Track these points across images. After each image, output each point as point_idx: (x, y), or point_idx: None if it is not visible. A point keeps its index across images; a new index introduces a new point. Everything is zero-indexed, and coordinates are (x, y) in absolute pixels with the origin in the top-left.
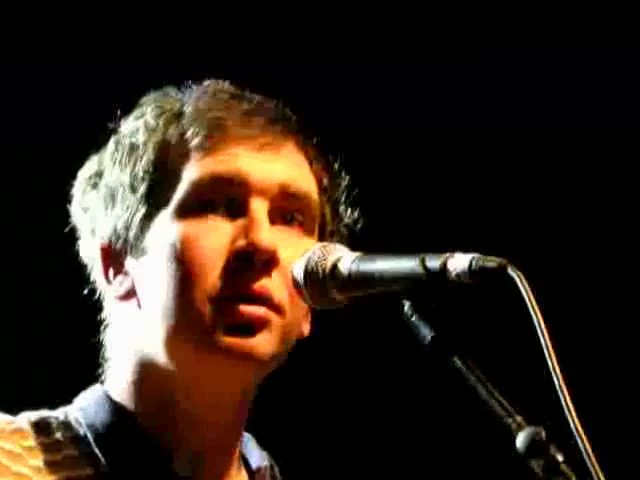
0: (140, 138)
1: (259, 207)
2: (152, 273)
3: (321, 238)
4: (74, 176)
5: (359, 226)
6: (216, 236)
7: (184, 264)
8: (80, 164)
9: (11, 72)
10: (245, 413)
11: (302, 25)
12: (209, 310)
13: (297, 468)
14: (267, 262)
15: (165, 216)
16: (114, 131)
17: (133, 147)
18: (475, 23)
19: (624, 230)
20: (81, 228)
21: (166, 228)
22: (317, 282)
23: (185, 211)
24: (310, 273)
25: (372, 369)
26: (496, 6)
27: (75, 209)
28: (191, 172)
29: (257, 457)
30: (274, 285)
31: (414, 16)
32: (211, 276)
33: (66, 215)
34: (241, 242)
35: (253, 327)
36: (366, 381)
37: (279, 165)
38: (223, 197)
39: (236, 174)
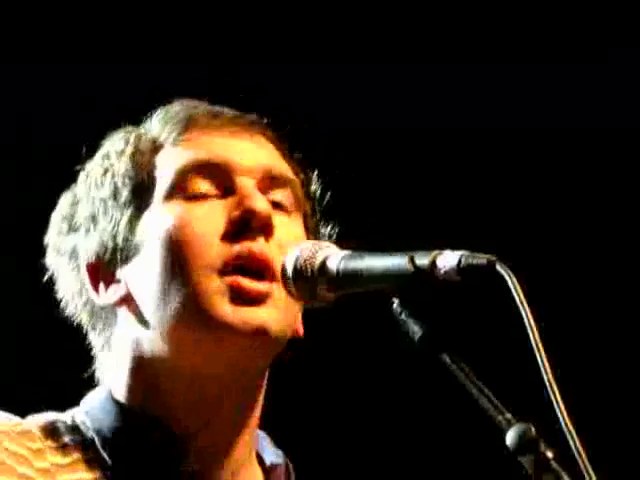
0: (112, 159)
1: (247, 182)
2: (147, 266)
3: (304, 230)
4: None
5: (334, 235)
6: (209, 213)
7: (180, 245)
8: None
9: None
10: (257, 405)
11: (295, 25)
12: (211, 284)
13: (301, 468)
14: (264, 227)
15: (152, 210)
16: (80, 170)
17: (107, 168)
18: (473, 22)
19: (613, 228)
20: (60, 269)
21: (156, 218)
22: (306, 280)
23: (173, 198)
24: (299, 270)
25: (361, 368)
26: (495, 5)
27: (51, 255)
28: (172, 163)
29: (272, 455)
30: (273, 253)
31: (410, 15)
32: (209, 250)
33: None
34: (236, 212)
35: (258, 300)
36: (356, 380)
37: (258, 150)
38: (209, 181)
39: (218, 158)
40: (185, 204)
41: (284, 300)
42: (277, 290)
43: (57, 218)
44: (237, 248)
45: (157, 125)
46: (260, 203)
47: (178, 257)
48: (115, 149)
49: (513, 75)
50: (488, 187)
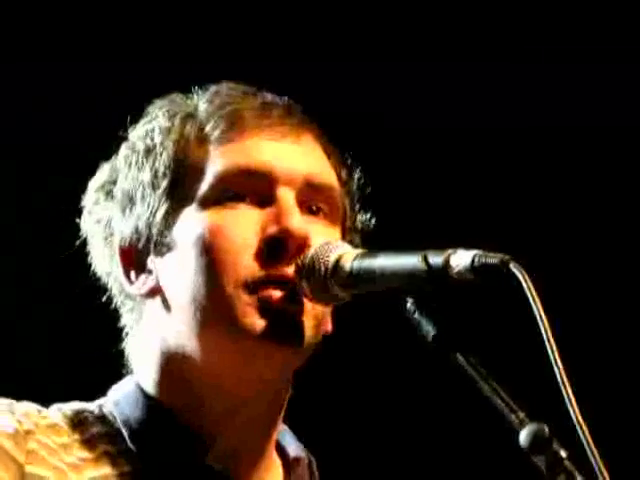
0: (156, 139)
1: (287, 195)
2: (180, 266)
3: (342, 232)
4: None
5: (372, 224)
6: (246, 223)
7: (214, 253)
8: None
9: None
10: (282, 405)
11: (305, 23)
12: (242, 295)
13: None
14: (299, 248)
15: (190, 209)
16: (123, 139)
17: (149, 148)
18: (477, 21)
19: (625, 227)
20: (94, 239)
21: (192, 220)
22: (319, 279)
23: (211, 203)
24: (312, 270)
25: (374, 367)
26: (500, 5)
27: (86, 221)
28: (215, 165)
29: (295, 449)
30: None
31: (418, 15)
32: (243, 262)
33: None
34: (273, 229)
35: (288, 313)
36: (368, 379)
37: (302, 155)
38: (249, 188)
39: (262, 166)
40: (222, 211)
41: (315, 313)
42: (309, 303)
43: (95, 186)
44: (270, 271)
45: (204, 111)
46: (297, 223)
47: (211, 268)
48: (160, 125)
49: (525, 74)
50: (501, 186)
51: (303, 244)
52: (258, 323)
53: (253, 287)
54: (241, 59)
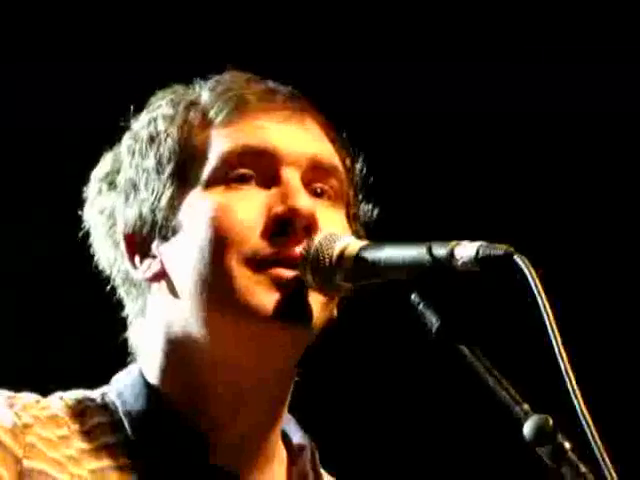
0: (160, 126)
1: (293, 175)
2: (184, 248)
3: (346, 219)
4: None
5: (374, 215)
6: (252, 203)
7: (219, 231)
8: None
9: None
10: (287, 394)
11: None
12: (247, 272)
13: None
14: (307, 228)
15: (195, 192)
16: (126, 129)
17: (153, 136)
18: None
19: (628, 218)
20: (96, 230)
21: (197, 202)
22: (323, 270)
23: (216, 184)
24: (317, 260)
25: (378, 359)
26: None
27: (89, 211)
28: (219, 146)
29: (299, 436)
30: None
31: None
32: (249, 239)
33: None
34: (279, 208)
35: (298, 292)
36: (372, 370)
37: (307, 137)
38: (254, 169)
39: (266, 145)
40: (227, 192)
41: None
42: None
43: (98, 176)
44: (279, 249)
45: (208, 97)
46: (305, 202)
47: (215, 245)
48: (163, 113)
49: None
50: (505, 178)
51: (311, 224)
52: (268, 302)
53: (261, 264)
54: (240, 60)
